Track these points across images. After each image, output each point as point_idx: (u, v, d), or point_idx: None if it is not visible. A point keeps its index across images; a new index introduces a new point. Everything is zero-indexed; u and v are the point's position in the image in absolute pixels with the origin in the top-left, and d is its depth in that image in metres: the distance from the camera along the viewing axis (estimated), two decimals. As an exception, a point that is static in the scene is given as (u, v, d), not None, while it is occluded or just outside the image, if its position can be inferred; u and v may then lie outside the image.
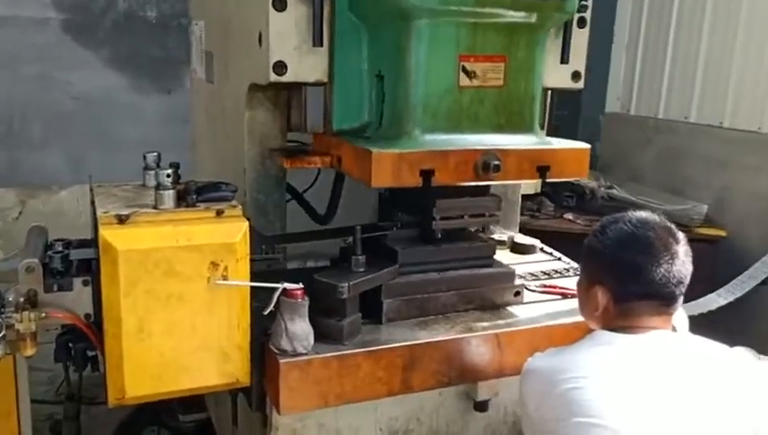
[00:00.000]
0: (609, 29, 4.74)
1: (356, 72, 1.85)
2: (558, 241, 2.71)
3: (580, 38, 2.09)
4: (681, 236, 1.54)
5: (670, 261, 1.48)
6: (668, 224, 1.56)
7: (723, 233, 3.84)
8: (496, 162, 1.72)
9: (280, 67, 1.75)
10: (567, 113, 4.94)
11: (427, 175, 1.68)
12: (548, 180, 1.84)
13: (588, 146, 1.91)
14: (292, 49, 1.75)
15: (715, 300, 2.85)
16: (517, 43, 1.79)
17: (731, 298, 2.85)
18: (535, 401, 1.51)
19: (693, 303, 2.66)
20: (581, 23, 2.07)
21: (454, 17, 1.72)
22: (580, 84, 2.13)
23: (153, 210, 1.55)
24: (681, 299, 1.53)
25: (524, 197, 3.77)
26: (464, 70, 1.75)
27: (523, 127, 1.85)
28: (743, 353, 1.71)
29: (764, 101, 3.73)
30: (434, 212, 1.87)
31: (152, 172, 1.76)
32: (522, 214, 3.78)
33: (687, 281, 1.52)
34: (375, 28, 1.82)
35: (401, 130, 1.76)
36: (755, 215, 3.77)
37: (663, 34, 4.39)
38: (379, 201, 3.32)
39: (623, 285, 1.51)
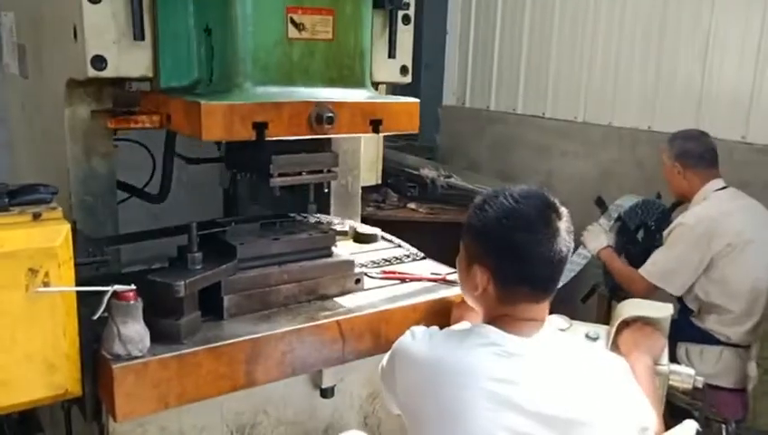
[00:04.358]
0: (442, 27, 5.01)
1: (182, 27, 1.77)
2: (402, 229, 2.83)
3: (406, 35, 2.18)
4: (564, 211, 1.45)
5: (552, 239, 1.39)
6: (551, 198, 1.46)
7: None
8: (330, 114, 1.71)
9: (99, 62, 1.67)
10: (408, 107, 5.16)
11: (260, 127, 1.64)
12: (381, 133, 1.86)
13: (417, 101, 1.94)
14: (112, 43, 1.68)
15: None
16: None
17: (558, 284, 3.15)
18: (408, 386, 1.47)
19: None
20: (406, 20, 2.16)
21: None
22: (408, 78, 2.23)
23: (-43, 217, 1.43)
24: (558, 282, 1.46)
25: (370, 188, 3.90)
26: (292, 22, 1.74)
27: (354, 81, 1.87)
28: (556, 319, 1.89)
29: (578, 94, 4.14)
30: (270, 168, 1.82)
31: (-44, 176, 1.61)
32: (368, 205, 3.92)
33: (568, 259, 1.44)
34: None
35: (232, 84, 1.71)
36: (575, 196, 4.16)
37: (490, 34, 4.71)
38: (225, 199, 3.30)
39: (504, 266, 1.43)
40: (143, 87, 1.81)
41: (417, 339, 1.49)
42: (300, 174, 1.89)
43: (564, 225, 1.43)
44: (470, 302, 1.57)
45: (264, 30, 1.72)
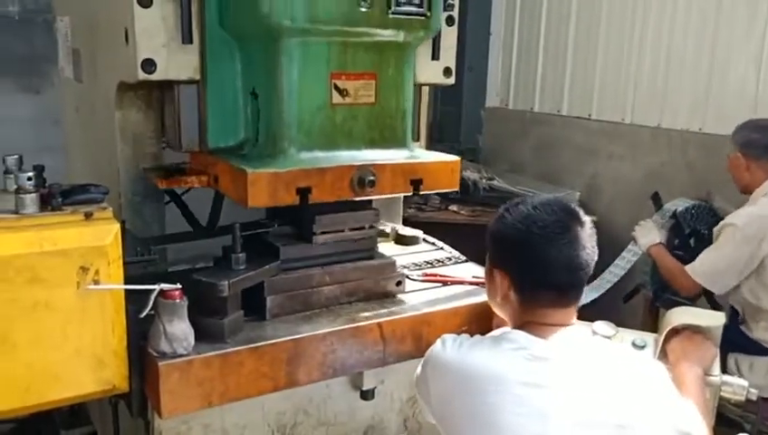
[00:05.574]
0: (486, 29, 4.96)
1: (230, 87, 1.85)
2: (444, 231, 2.81)
3: (450, 36, 2.17)
4: (586, 219, 1.48)
5: (570, 245, 1.41)
6: (572, 206, 1.49)
7: (594, 218, 4.11)
8: (371, 177, 1.77)
9: (149, 65, 1.71)
10: (451, 109, 5.14)
11: (303, 193, 1.71)
12: (421, 192, 1.90)
13: (457, 158, 1.97)
14: (161, 46, 1.72)
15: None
16: (387, 61, 1.85)
17: (595, 295, 3.10)
18: (441, 395, 1.49)
19: None
20: (450, 21, 2.15)
21: (324, 36, 1.74)
22: (452, 80, 2.22)
23: (14, 215, 1.47)
24: (583, 288, 1.48)
25: (412, 190, 3.90)
26: (336, 88, 1.79)
27: (395, 142, 1.91)
28: (602, 326, 1.84)
29: (626, 95, 4.05)
30: (314, 228, 1.89)
31: (13, 176, 1.66)
32: (410, 207, 3.92)
33: (590, 268, 1.46)
34: (247, 45, 1.82)
35: (277, 149, 1.77)
36: (621, 199, 4.09)
37: (534, 34, 4.65)
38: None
39: (521, 272, 1.47)
40: (192, 146, 1.87)
41: (447, 347, 1.50)
42: (342, 231, 1.95)
43: (585, 233, 1.44)
44: (495, 310, 1.60)
45: (308, 96, 1.76)
